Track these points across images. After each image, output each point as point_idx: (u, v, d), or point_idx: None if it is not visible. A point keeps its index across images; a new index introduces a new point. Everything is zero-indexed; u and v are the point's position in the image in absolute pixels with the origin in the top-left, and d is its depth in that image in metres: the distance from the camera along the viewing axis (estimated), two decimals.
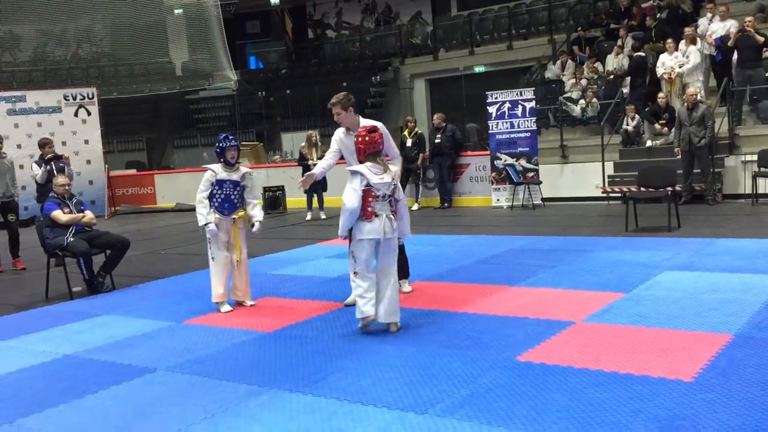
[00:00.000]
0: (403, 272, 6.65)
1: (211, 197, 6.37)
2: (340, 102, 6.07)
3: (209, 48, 21.78)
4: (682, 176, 11.13)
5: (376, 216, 5.14)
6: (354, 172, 5.20)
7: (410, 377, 4.25)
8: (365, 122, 6.20)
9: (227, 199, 6.35)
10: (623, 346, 4.56)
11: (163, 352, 5.16)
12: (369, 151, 5.24)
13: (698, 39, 13.15)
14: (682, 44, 13.06)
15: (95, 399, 4.32)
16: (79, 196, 8.40)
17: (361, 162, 5.27)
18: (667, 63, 12.98)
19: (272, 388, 4.24)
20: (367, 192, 5.13)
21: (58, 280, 7.68)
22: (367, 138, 5.26)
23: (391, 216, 5.21)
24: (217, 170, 6.35)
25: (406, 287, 6.61)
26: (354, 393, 4.06)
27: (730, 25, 12.94)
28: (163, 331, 5.80)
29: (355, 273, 5.26)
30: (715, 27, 13.23)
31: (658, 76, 13.22)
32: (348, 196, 5.16)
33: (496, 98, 13.66)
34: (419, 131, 14.42)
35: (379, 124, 6.36)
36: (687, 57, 12.81)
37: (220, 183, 6.34)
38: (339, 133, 6.24)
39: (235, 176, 6.39)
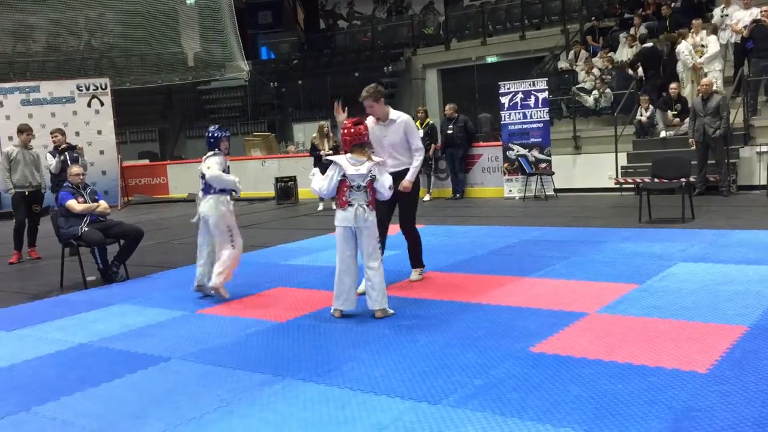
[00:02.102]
0: (415, 261, 6.70)
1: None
2: (371, 95, 6.27)
3: (221, 38, 21.81)
4: (696, 167, 11.05)
5: (350, 205, 5.36)
6: (332, 162, 5.48)
7: (423, 367, 4.26)
8: (394, 113, 6.40)
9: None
10: (637, 337, 4.54)
11: (177, 342, 5.19)
12: (354, 142, 5.45)
13: (718, 28, 13.05)
14: (703, 33, 12.97)
15: (110, 387, 4.35)
16: (93, 186, 8.43)
17: (346, 152, 5.49)
18: (692, 51, 12.87)
19: (286, 378, 4.26)
20: (343, 182, 5.38)
21: (72, 270, 7.73)
22: (352, 130, 5.46)
23: (366, 206, 5.39)
24: (219, 159, 6.49)
25: (415, 275, 6.67)
26: (367, 383, 4.07)
27: (757, 12, 12.82)
28: (176, 320, 5.83)
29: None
30: (740, 15, 13.10)
31: (686, 65, 13.09)
32: (316, 180, 5.55)
33: (508, 88, 13.60)
34: (431, 122, 14.39)
35: (405, 116, 6.47)
36: (704, 46, 12.71)
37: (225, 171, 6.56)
38: (370, 124, 6.32)
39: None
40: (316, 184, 5.55)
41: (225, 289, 6.38)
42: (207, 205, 6.35)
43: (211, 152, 6.46)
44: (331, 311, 5.58)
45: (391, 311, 5.49)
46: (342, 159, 5.42)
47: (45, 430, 3.78)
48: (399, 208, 6.57)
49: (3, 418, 3.97)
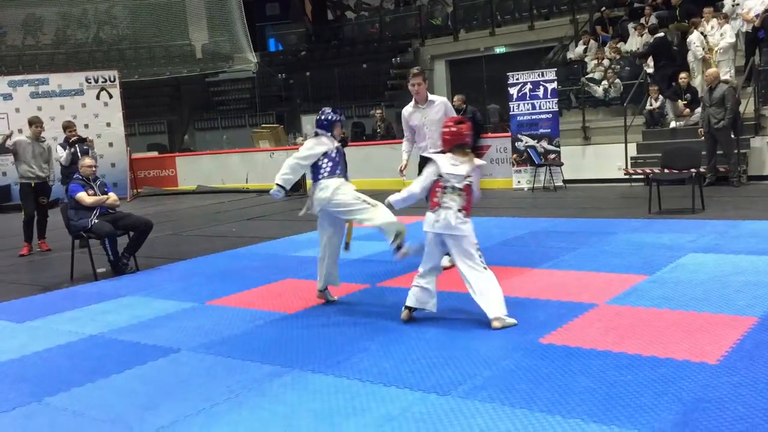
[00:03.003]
0: None
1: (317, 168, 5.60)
2: (422, 73, 6.24)
3: (229, 30, 21.81)
4: (705, 158, 10.97)
5: (441, 207, 4.87)
6: (428, 160, 5.04)
7: (432, 359, 4.26)
8: (431, 95, 6.42)
9: (345, 168, 5.78)
10: (647, 328, 4.53)
11: (186, 333, 5.21)
12: (455, 142, 4.96)
13: (729, 17, 12.94)
14: (714, 22, 12.86)
15: (121, 378, 4.38)
16: (103, 179, 8.47)
17: (444, 151, 5.03)
18: (703, 42, 12.77)
19: (295, 369, 4.27)
20: (436, 182, 4.91)
21: (82, 262, 7.77)
22: (454, 129, 4.98)
23: (459, 212, 4.85)
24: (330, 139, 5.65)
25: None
26: (376, 374, 4.07)
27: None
28: (186, 312, 5.86)
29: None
30: (752, 3, 12.99)
31: (696, 56, 12.99)
32: (416, 181, 5.08)
33: (517, 79, 13.54)
34: None
35: (443, 98, 6.49)
36: (722, 35, 12.60)
37: (338, 150, 5.73)
38: (408, 108, 6.40)
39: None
40: (402, 194, 5.06)
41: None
42: (327, 192, 5.44)
43: (315, 137, 5.66)
44: (403, 315, 5.09)
45: (512, 321, 4.80)
46: (440, 157, 4.97)
47: (56, 421, 3.81)
48: None
49: (15, 408, 4.01)
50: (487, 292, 4.81)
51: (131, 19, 21.97)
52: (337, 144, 5.70)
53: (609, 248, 7.06)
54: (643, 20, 15.09)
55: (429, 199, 5.00)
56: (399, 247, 5.39)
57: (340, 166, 5.62)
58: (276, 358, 4.49)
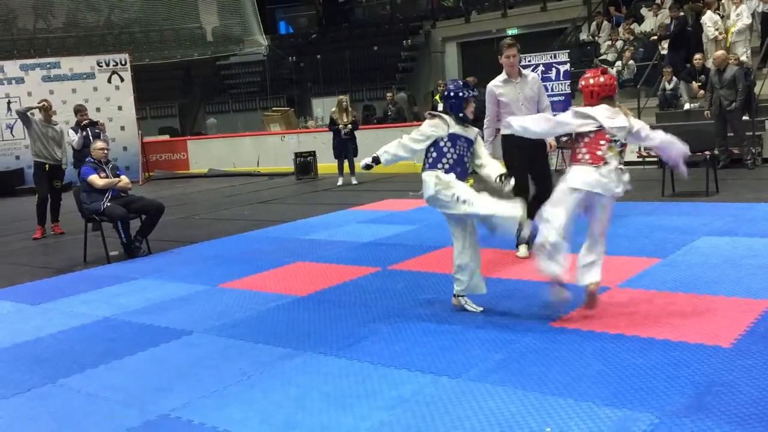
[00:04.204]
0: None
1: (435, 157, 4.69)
2: (517, 45, 5.98)
3: (239, 13, 21.74)
4: (717, 140, 10.86)
5: (605, 164, 4.35)
6: (578, 113, 4.46)
7: (444, 342, 4.26)
8: (524, 70, 6.22)
9: (460, 161, 4.73)
10: (660, 311, 4.50)
11: (199, 315, 5.24)
12: (603, 93, 4.47)
13: None
14: (728, 2, 12.69)
15: (134, 360, 4.41)
16: (115, 162, 8.49)
17: (591, 106, 4.47)
18: (716, 22, 12.61)
19: (307, 351, 4.28)
20: (599, 134, 4.36)
21: (95, 245, 7.81)
22: (601, 79, 4.46)
23: (622, 168, 4.41)
24: (450, 121, 4.69)
25: (523, 251, 6.11)
26: (387, 357, 4.08)
27: None
28: (198, 294, 5.88)
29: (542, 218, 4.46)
30: None
31: (708, 36, 12.83)
32: (534, 122, 4.61)
33: (529, 61, 13.40)
34: None
35: (534, 74, 6.32)
36: (737, 16, 12.43)
37: (453, 139, 4.70)
38: (496, 83, 6.11)
39: (470, 134, 4.79)
40: (535, 125, 4.61)
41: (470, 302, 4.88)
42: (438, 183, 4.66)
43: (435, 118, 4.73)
44: (554, 294, 4.53)
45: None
46: (593, 109, 4.41)
47: (70, 402, 3.84)
48: (537, 171, 6.03)
49: (30, 390, 4.05)
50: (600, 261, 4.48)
51: (142, 2, 21.92)
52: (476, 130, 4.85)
53: (622, 231, 7.01)
54: (659, 0, 14.92)
55: (579, 153, 4.42)
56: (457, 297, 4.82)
57: (460, 166, 4.71)
58: (288, 341, 4.50)
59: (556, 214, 4.41)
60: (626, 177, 4.46)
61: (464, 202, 4.54)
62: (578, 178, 4.38)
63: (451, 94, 4.74)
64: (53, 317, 5.52)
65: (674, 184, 9.25)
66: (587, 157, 4.40)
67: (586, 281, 4.49)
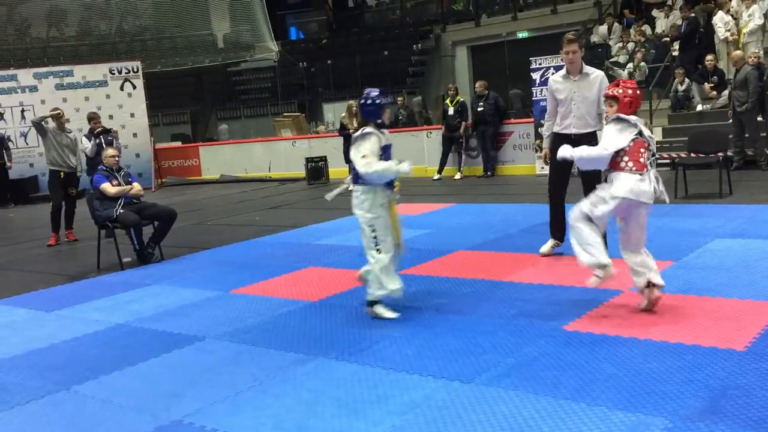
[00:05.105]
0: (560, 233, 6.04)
1: None
2: (578, 40, 5.72)
3: (250, 19, 21.81)
4: (733, 141, 10.80)
5: (647, 169, 4.43)
6: (622, 120, 4.47)
7: (456, 346, 4.25)
8: (588, 68, 5.94)
9: None
10: (673, 315, 4.48)
11: (211, 321, 5.26)
12: (637, 107, 4.57)
13: None
14: (739, 3, 12.61)
15: (147, 366, 4.43)
16: (127, 169, 8.55)
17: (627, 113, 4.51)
18: (727, 23, 12.53)
19: (319, 357, 4.29)
20: (639, 142, 4.43)
21: (108, 252, 7.85)
22: (639, 92, 4.58)
23: (658, 177, 4.51)
24: (381, 135, 4.92)
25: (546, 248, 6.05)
26: (399, 361, 4.08)
27: None
28: (211, 300, 5.90)
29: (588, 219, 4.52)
30: None
31: (719, 37, 12.76)
32: (589, 150, 4.57)
33: (540, 64, 13.39)
34: (461, 99, 14.25)
35: (601, 72, 5.94)
36: (749, 17, 12.35)
37: (386, 149, 4.93)
38: (557, 78, 5.91)
39: (390, 140, 5.04)
40: (590, 152, 4.58)
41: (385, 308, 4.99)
42: (354, 194, 5.00)
43: (362, 131, 4.91)
44: (596, 278, 4.56)
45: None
46: (632, 117, 4.49)
47: (84, 409, 3.86)
48: (586, 181, 5.74)
49: (44, 396, 4.07)
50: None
51: (153, 10, 22.07)
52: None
53: None
54: (670, 1, 14.85)
55: (621, 161, 4.42)
56: (370, 304, 4.97)
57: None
58: (300, 346, 4.51)
59: (593, 235, 4.49)
60: (661, 184, 4.52)
61: (376, 244, 4.86)
62: (624, 186, 4.39)
63: (369, 102, 4.96)
64: (67, 324, 5.55)
65: (687, 186, 9.19)
66: (630, 164, 4.42)
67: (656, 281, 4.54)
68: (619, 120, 4.49)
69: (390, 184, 4.93)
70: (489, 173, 13.77)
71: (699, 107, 12.61)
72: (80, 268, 7.83)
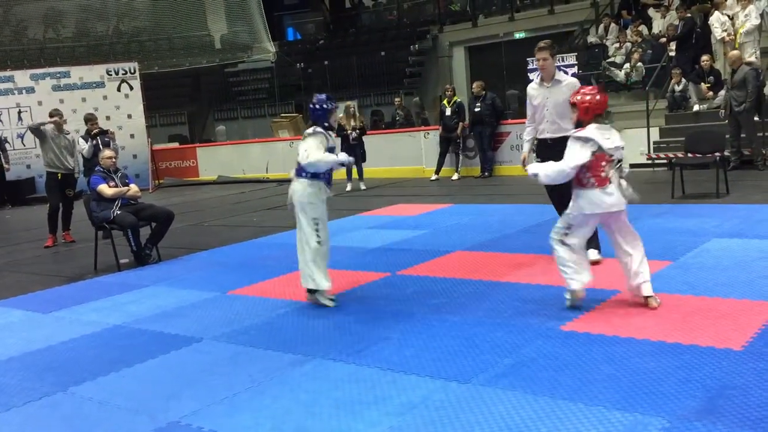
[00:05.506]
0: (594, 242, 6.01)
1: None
2: (549, 47, 5.87)
3: (247, 20, 21.81)
4: (729, 141, 10.81)
5: (610, 182, 4.55)
6: (580, 138, 4.56)
7: (453, 347, 4.25)
8: (561, 74, 6.05)
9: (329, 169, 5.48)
10: (670, 315, 4.48)
11: (209, 322, 5.25)
12: (598, 111, 4.62)
13: None
14: (735, 3, 12.63)
15: (144, 367, 4.42)
16: (124, 170, 8.55)
17: (582, 121, 4.62)
18: (723, 23, 12.55)
19: (316, 358, 4.29)
20: (600, 156, 4.53)
21: (106, 253, 7.85)
22: (598, 97, 4.61)
23: (623, 183, 4.64)
24: (328, 136, 5.40)
25: (595, 256, 6.05)
26: (397, 362, 4.08)
27: None
28: (208, 301, 5.90)
29: (561, 242, 4.73)
30: None
31: (717, 38, 12.78)
32: (551, 167, 4.67)
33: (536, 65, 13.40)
34: (459, 100, 14.26)
35: (573, 79, 6.04)
36: (746, 17, 12.37)
37: (331, 150, 5.40)
38: (533, 86, 6.08)
39: (333, 143, 5.55)
40: (551, 170, 4.67)
41: (324, 295, 5.43)
42: (298, 187, 5.39)
43: (312, 129, 5.36)
44: (569, 299, 4.77)
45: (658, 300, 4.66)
46: (591, 132, 4.54)
47: (81, 410, 3.86)
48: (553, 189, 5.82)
49: (41, 398, 4.07)
50: (646, 272, 4.65)
51: (151, 11, 22.05)
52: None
53: None
54: (666, 1, 14.87)
55: (583, 177, 4.57)
56: (312, 292, 5.43)
57: (329, 175, 5.51)
58: (297, 347, 4.51)
59: (573, 254, 4.68)
60: (626, 185, 4.65)
61: (316, 230, 5.34)
62: (590, 203, 4.59)
63: (317, 106, 5.43)
64: (64, 325, 5.54)
65: (684, 186, 9.20)
66: (593, 180, 4.58)
67: (644, 294, 4.69)
68: (578, 138, 4.60)
69: (329, 182, 5.44)
70: (486, 174, 13.78)
71: (696, 107, 12.63)
72: (77, 270, 7.82)
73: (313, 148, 5.24)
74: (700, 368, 3.61)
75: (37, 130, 9.73)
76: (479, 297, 5.28)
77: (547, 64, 5.87)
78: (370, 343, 4.45)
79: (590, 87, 4.94)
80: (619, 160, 4.64)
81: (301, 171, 5.37)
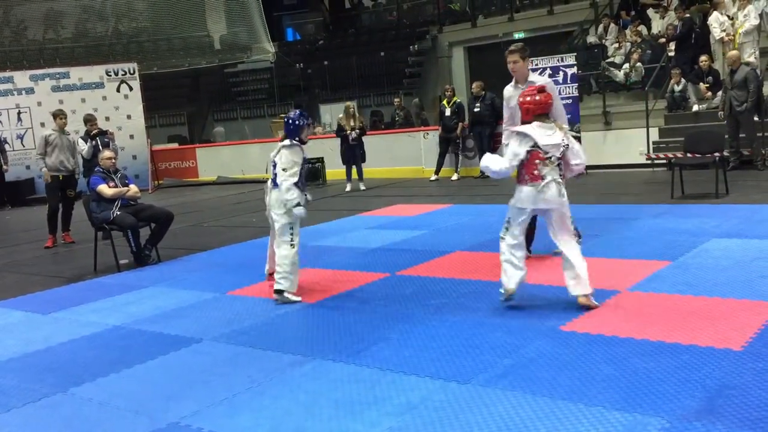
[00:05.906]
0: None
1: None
2: (519, 50, 5.97)
3: (247, 20, 21.81)
4: (728, 141, 10.82)
5: (543, 180, 4.68)
6: (519, 134, 4.76)
7: (453, 347, 4.25)
8: (534, 76, 6.15)
9: (303, 178, 5.86)
10: (670, 315, 4.48)
11: (208, 323, 5.25)
12: (538, 111, 4.79)
13: None
14: (734, 3, 12.64)
15: (144, 368, 4.42)
16: (124, 171, 8.54)
17: (525, 122, 4.83)
18: (722, 23, 12.55)
19: (316, 358, 4.29)
20: (534, 154, 4.69)
21: (105, 253, 7.85)
22: (537, 98, 4.79)
23: (560, 181, 4.74)
24: (302, 149, 5.82)
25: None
26: (396, 363, 4.08)
27: None
28: (208, 302, 5.90)
29: (502, 238, 4.94)
30: None
31: (716, 38, 12.79)
32: (495, 161, 4.84)
33: (536, 65, 13.40)
34: (458, 100, 14.26)
35: (547, 80, 6.15)
36: (745, 17, 12.37)
37: (305, 162, 5.92)
38: (508, 88, 6.18)
39: (306, 154, 5.97)
40: (495, 165, 4.84)
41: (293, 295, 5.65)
42: (273, 197, 5.77)
43: (288, 141, 5.73)
44: (503, 293, 4.95)
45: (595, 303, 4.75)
46: (529, 128, 4.73)
47: (81, 411, 3.86)
48: None
49: (40, 399, 4.07)
50: (582, 270, 4.74)
51: (150, 11, 22.05)
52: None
53: (631, 234, 7.00)
54: (665, 1, 14.88)
55: (521, 174, 4.76)
56: (279, 292, 5.61)
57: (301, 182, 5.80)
58: (297, 348, 4.51)
59: (514, 252, 4.89)
60: (563, 191, 4.77)
61: (291, 233, 5.64)
62: (522, 198, 4.80)
63: (290, 122, 5.80)
64: (64, 326, 5.54)
65: (683, 187, 9.21)
66: (527, 177, 4.76)
67: (574, 293, 4.79)
68: (517, 134, 4.80)
69: (303, 189, 5.76)
70: (486, 174, 13.75)
71: (695, 107, 12.64)
72: (77, 270, 7.82)
73: (291, 168, 5.64)
74: (700, 368, 3.61)
75: (43, 154, 9.66)
76: (479, 297, 5.28)
77: (518, 66, 5.99)
78: (369, 344, 4.45)
79: (531, 87, 5.11)
80: (558, 159, 4.74)
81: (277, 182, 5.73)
